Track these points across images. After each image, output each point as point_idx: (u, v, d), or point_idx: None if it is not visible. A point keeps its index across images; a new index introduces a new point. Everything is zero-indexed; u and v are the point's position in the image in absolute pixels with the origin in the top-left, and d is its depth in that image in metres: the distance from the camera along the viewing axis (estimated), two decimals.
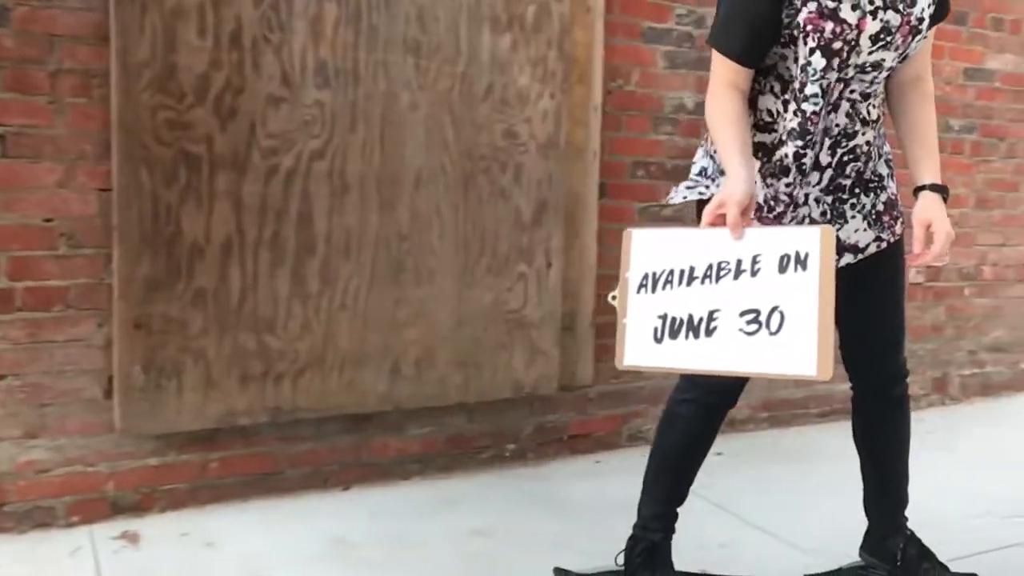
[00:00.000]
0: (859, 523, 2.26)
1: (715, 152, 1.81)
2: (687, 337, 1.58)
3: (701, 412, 1.97)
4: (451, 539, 2.47)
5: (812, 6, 1.66)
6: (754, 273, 1.55)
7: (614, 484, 2.93)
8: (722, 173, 1.73)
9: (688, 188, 1.88)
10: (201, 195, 2.47)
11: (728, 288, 1.56)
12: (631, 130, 3.21)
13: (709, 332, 1.56)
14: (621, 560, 2.03)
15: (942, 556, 2.18)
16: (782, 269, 1.52)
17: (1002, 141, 4.06)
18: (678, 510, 2.02)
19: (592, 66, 3.04)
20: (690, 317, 1.58)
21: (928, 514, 2.34)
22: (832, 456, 3.28)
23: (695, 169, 1.94)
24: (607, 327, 3.17)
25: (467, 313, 2.87)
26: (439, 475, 2.94)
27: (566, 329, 3.07)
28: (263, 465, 2.69)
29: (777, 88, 1.80)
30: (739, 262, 1.56)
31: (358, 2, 2.66)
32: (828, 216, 1.86)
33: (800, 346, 1.48)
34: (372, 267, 2.72)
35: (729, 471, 3.08)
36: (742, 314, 1.54)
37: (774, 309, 1.51)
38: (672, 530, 2.03)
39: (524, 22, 2.90)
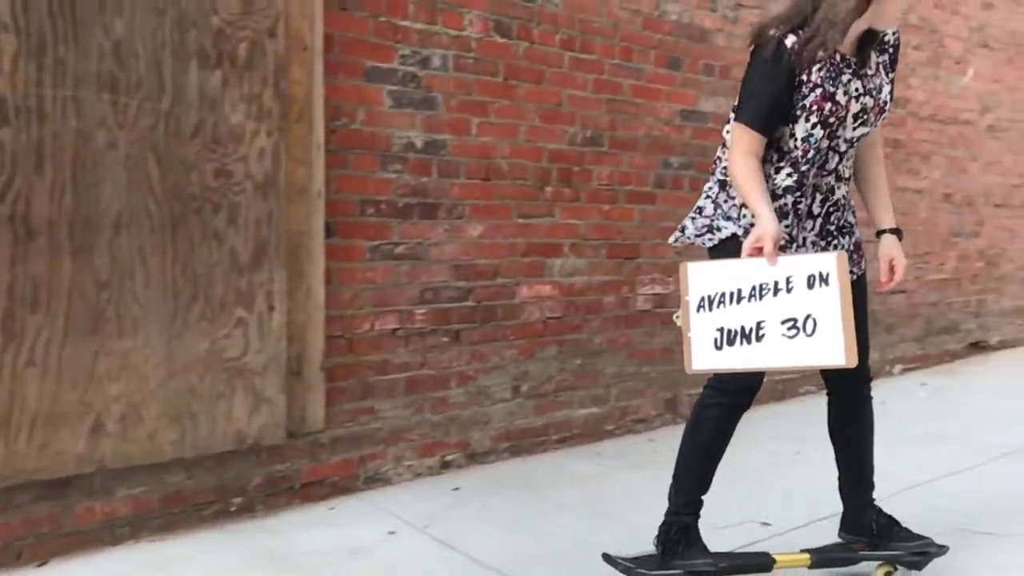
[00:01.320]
0: (593, 548, 2.34)
1: (724, 200, 2.32)
2: (741, 344, 2.04)
3: (724, 415, 2.33)
4: None
5: (818, 91, 2.16)
6: (789, 291, 2.02)
7: (349, 529, 2.87)
8: (725, 217, 2.29)
9: (697, 235, 2.37)
10: None
11: (769, 304, 2.03)
12: (359, 168, 3.18)
13: (759, 338, 2.02)
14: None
15: None
16: (810, 286, 2.00)
17: None
18: (703, 497, 2.37)
19: (312, 104, 3.00)
20: (742, 328, 2.04)
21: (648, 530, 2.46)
22: (572, 480, 3.40)
23: (700, 207, 2.39)
24: (340, 370, 3.14)
25: (179, 363, 2.71)
26: (155, 537, 2.75)
27: (293, 374, 2.98)
28: None
29: (774, 157, 2.25)
30: (776, 283, 2.03)
31: (42, 34, 2.47)
32: None
33: (831, 342, 1.97)
34: (66, 318, 2.52)
35: (463, 504, 3.10)
36: (783, 322, 2.01)
37: (808, 317, 1.99)
38: (699, 515, 2.37)
39: (236, 59, 2.81)
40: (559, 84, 3.75)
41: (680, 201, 4.23)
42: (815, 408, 4.56)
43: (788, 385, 4.81)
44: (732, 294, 2.06)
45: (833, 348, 1.97)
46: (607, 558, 2.36)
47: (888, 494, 3.03)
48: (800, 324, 2.00)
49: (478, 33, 3.48)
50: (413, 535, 2.82)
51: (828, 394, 2.54)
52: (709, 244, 2.32)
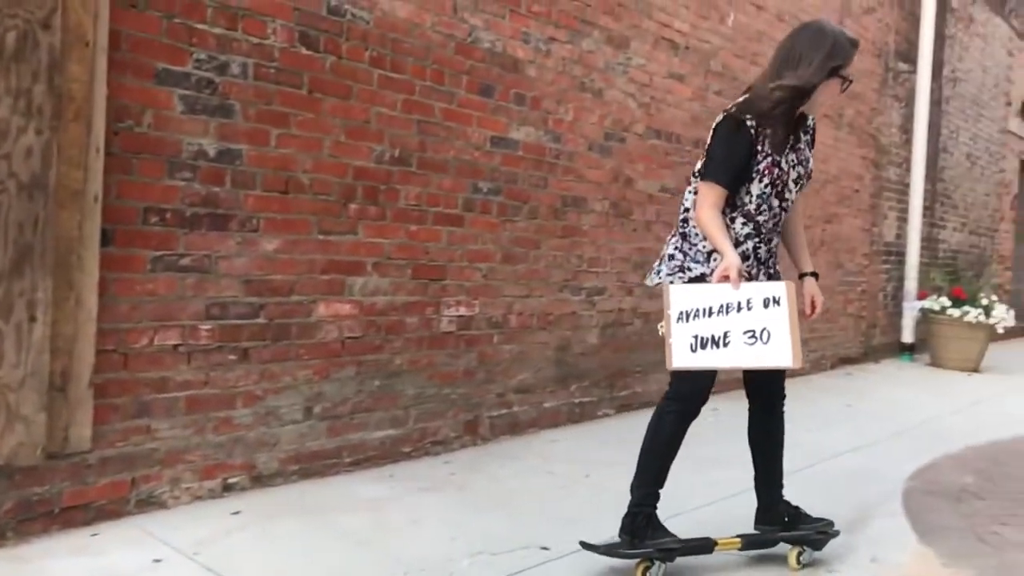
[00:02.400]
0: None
1: (689, 249, 2.86)
2: (712, 348, 2.64)
3: (678, 420, 2.84)
4: None
5: (769, 160, 2.78)
6: (749, 309, 2.63)
7: (110, 557, 2.69)
8: (693, 261, 2.84)
9: (669, 275, 2.87)
10: None
11: (734, 318, 2.63)
12: (143, 174, 3.02)
13: (726, 344, 2.63)
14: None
15: None
16: (765, 306, 2.62)
17: (525, 204, 4.51)
18: (660, 491, 2.85)
19: (93, 104, 2.81)
20: (712, 336, 2.64)
21: (421, 559, 2.43)
22: (360, 505, 3.33)
23: (670, 255, 2.91)
24: (112, 386, 2.95)
25: None
26: None
27: (57, 390, 2.77)
28: None
29: (727, 210, 2.81)
30: (739, 303, 2.64)
31: None
32: None
33: (781, 349, 2.59)
34: None
35: (241, 530, 2.97)
36: (744, 332, 2.62)
37: (763, 329, 2.61)
38: (657, 505, 2.85)
39: (2, 49, 2.60)
40: (367, 101, 3.72)
41: (489, 226, 4.31)
42: (612, 430, 4.76)
43: (586, 408, 4.96)
44: (705, 310, 2.67)
45: (783, 353, 2.60)
46: (584, 544, 2.82)
47: (669, 515, 3.17)
48: (758, 334, 2.63)
49: (282, 43, 3.40)
50: (180, 563, 2.68)
51: (750, 406, 3.08)
52: (680, 282, 2.84)
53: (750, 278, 2.79)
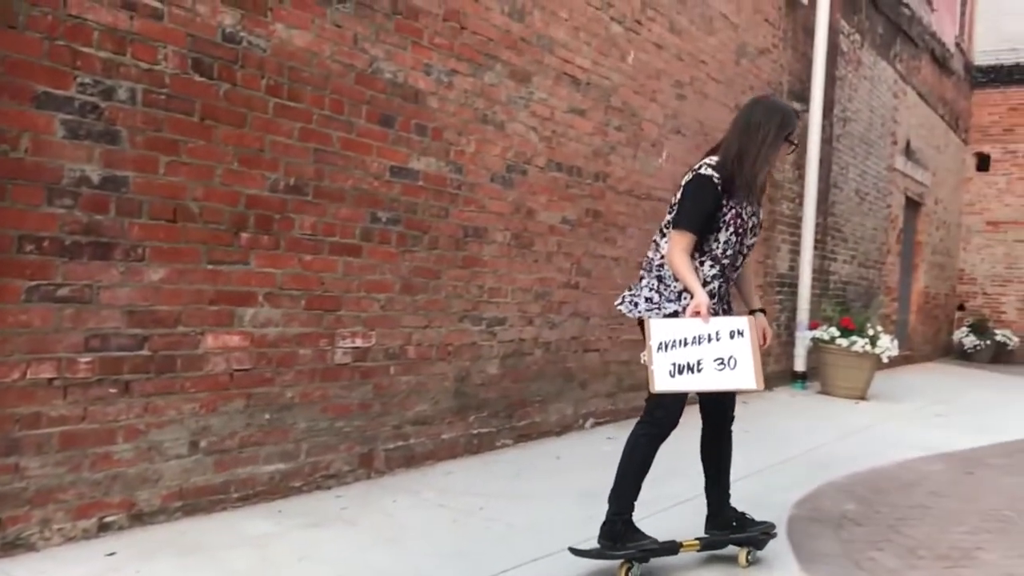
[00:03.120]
0: None
1: (664, 289, 3.26)
2: (687, 374, 3.02)
3: (651, 442, 3.24)
4: None
5: (733, 211, 3.23)
6: (718, 340, 3.05)
7: None
8: (667, 300, 3.23)
9: (647, 311, 3.25)
10: None
11: (705, 348, 3.04)
12: (18, 201, 2.90)
13: (699, 370, 3.02)
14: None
15: None
16: (732, 337, 3.05)
17: (425, 234, 4.51)
18: (635, 502, 3.24)
19: None
20: (688, 363, 3.03)
21: None
22: (245, 542, 3.24)
23: (648, 297, 3.28)
24: None
25: None
26: None
27: None
28: None
29: (696, 255, 3.24)
30: (709, 335, 3.05)
31: None
32: None
33: (745, 374, 3.02)
34: None
35: (114, 571, 2.86)
36: (715, 360, 3.04)
37: (730, 357, 3.03)
38: (633, 513, 3.23)
39: None
40: (262, 129, 3.67)
41: (387, 256, 4.29)
42: (510, 461, 4.77)
43: (485, 438, 4.97)
44: (680, 341, 3.06)
45: (748, 377, 3.04)
46: (574, 551, 3.18)
47: (544, 554, 3.19)
48: (726, 361, 3.04)
49: (173, 69, 3.32)
50: None
51: (703, 427, 3.51)
52: (649, 315, 3.24)
53: (716, 313, 3.19)
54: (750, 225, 3.32)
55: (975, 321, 15.71)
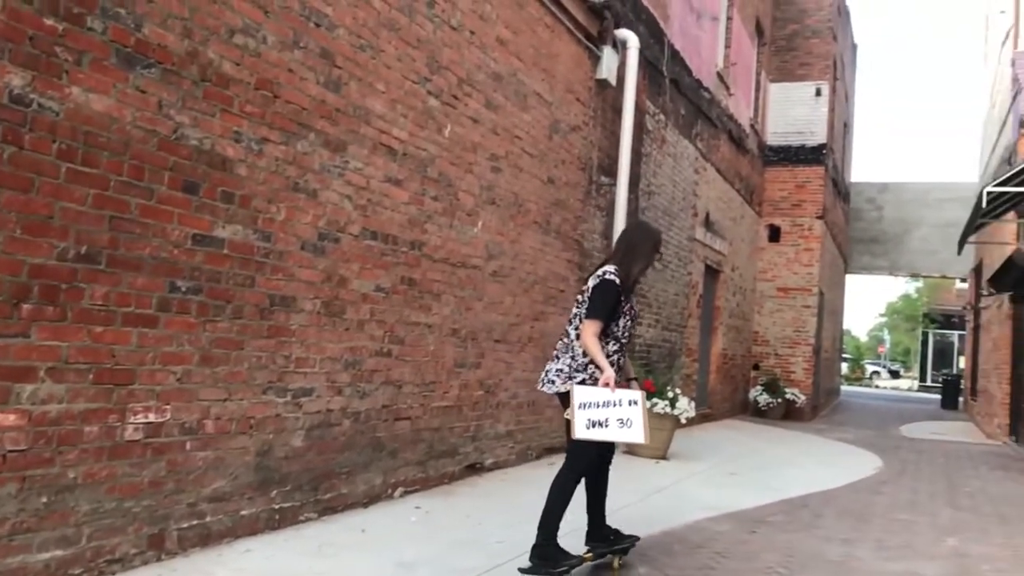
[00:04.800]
0: None
1: (573, 363, 4.44)
2: (598, 428, 4.18)
3: (573, 483, 4.36)
4: None
5: (627, 304, 4.46)
6: (619, 405, 4.21)
7: None
8: (575, 371, 4.42)
9: (563, 384, 4.41)
10: None
11: (612, 410, 4.20)
12: None
13: (606, 426, 4.17)
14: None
15: None
16: (629, 404, 4.23)
17: (229, 303, 4.40)
18: (558, 530, 4.29)
19: None
20: (599, 421, 4.17)
21: None
22: None
23: (559, 370, 4.49)
24: None
25: None
26: None
27: None
28: None
29: (603, 337, 4.38)
30: (614, 401, 4.21)
31: None
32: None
33: (638, 431, 4.22)
34: None
35: None
36: (617, 420, 4.19)
37: (628, 418, 4.20)
38: (558, 538, 4.31)
39: None
40: (52, 195, 3.49)
41: (187, 326, 4.15)
42: (313, 535, 4.66)
43: (287, 513, 4.84)
44: (595, 403, 4.23)
45: (639, 435, 4.27)
46: (522, 570, 4.18)
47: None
48: (625, 421, 4.23)
49: None
50: None
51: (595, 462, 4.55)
52: (565, 389, 4.36)
53: (617, 381, 4.35)
54: (634, 314, 4.61)
55: (768, 380, 16.96)
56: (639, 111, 10.14)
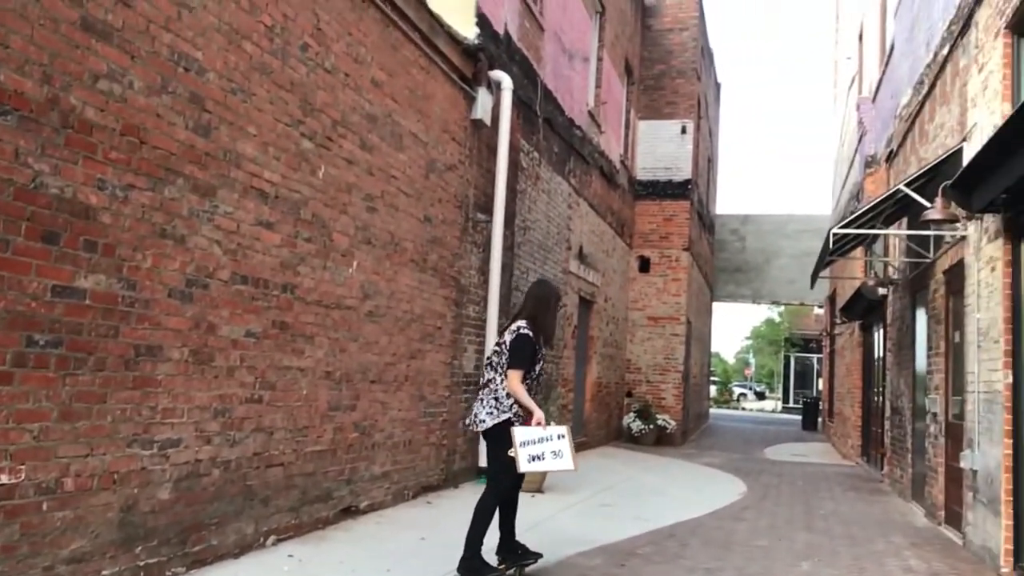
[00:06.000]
0: None
1: (500, 405, 5.37)
2: (537, 461, 5.23)
3: (493, 505, 5.29)
4: None
5: (540, 352, 5.55)
6: (551, 440, 5.26)
7: None
8: (502, 412, 5.37)
9: (494, 421, 5.34)
10: None
11: (545, 444, 5.24)
12: None
13: (543, 459, 5.23)
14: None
15: None
16: (559, 438, 5.29)
17: (91, 355, 4.25)
18: (482, 545, 5.20)
19: None
20: (537, 455, 5.21)
21: None
22: None
23: (488, 411, 5.38)
24: None
25: None
26: None
27: None
28: None
29: (525, 381, 5.43)
30: (547, 437, 5.27)
31: None
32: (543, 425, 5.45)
33: (568, 461, 5.27)
34: None
35: None
36: (551, 451, 5.23)
37: (559, 450, 5.25)
38: (482, 551, 5.23)
39: None
40: None
41: (45, 381, 3.99)
42: None
43: (153, 569, 4.68)
44: (532, 440, 5.18)
45: (570, 462, 5.22)
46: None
47: None
48: (558, 453, 5.19)
49: None
50: None
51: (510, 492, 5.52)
52: (494, 426, 5.32)
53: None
54: (543, 357, 5.63)
55: (640, 407, 17.48)
56: (514, 149, 10.37)
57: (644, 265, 18.54)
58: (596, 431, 15.48)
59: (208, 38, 5.07)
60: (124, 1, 4.42)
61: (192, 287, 4.99)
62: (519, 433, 5.13)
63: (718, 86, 25.74)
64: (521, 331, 5.40)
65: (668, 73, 18.93)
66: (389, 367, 7.48)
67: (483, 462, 9.37)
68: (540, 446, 5.13)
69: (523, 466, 5.09)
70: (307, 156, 6.12)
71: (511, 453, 5.11)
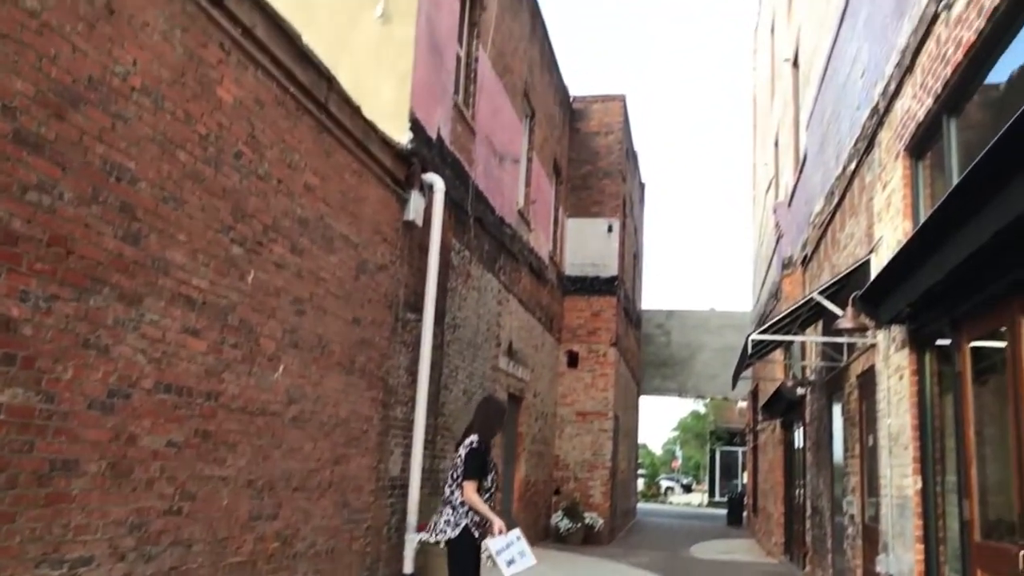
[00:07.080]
0: None
1: (455, 514, 6.28)
2: (514, 564, 6.14)
3: None
4: None
5: (491, 463, 6.56)
6: (514, 543, 6.22)
7: None
8: (459, 519, 6.28)
9: (452, 530, 6.24)
10: None
11: (513, 547, 6.20)
12: None
13: (515, 562, 6.14)
14: None
15: None
16: (518, 539, 6.26)
17: (2, 472, 4.11)
18: None
19: None
20: (511, 559, 6.13)
21: None
22: None
23: (447, 521, 6.30)
24: None
25: None
26: None
27: None
28: None
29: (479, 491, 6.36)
30: (511, 541, 6.22)
31: None
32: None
33: (530, 556, 6.25)
34: None
35: None
36: (519, 552, 6.18)
37: (523, 550, 6.21)
38: None
39: None
40: None
41: None
42: None
43: None
44: (503, 547, 6.11)
45: (532, 559, 6.20)
46: None
47: None
48: (522, 552, 6.13)
49: None
50: None
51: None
52: (454, 535, 6.13)
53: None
54: (494, 466, 6.45)
55: (568, 505, 17.39)
56: (445, 248, 10.51)
57: (573, 360, 18.73)
58: (524, 532, 15.27)
59: (142, 148, 5.11)
60: (58, 114, 4.45)
61: (113, 398, 4.89)
62: (493, 544, 6.02)
63: (643, 186, 26.65)
64: (473, 446, 6.34)
65: (595, 174, 19.57)
66: (313, 473, 7.35)
67: (408, 569, 9.23)
68: (509, 551, 5.99)
69: (505, 571, 5.98)
70: (236, 262, 6.13)
71: (488, 559, 6.18)
